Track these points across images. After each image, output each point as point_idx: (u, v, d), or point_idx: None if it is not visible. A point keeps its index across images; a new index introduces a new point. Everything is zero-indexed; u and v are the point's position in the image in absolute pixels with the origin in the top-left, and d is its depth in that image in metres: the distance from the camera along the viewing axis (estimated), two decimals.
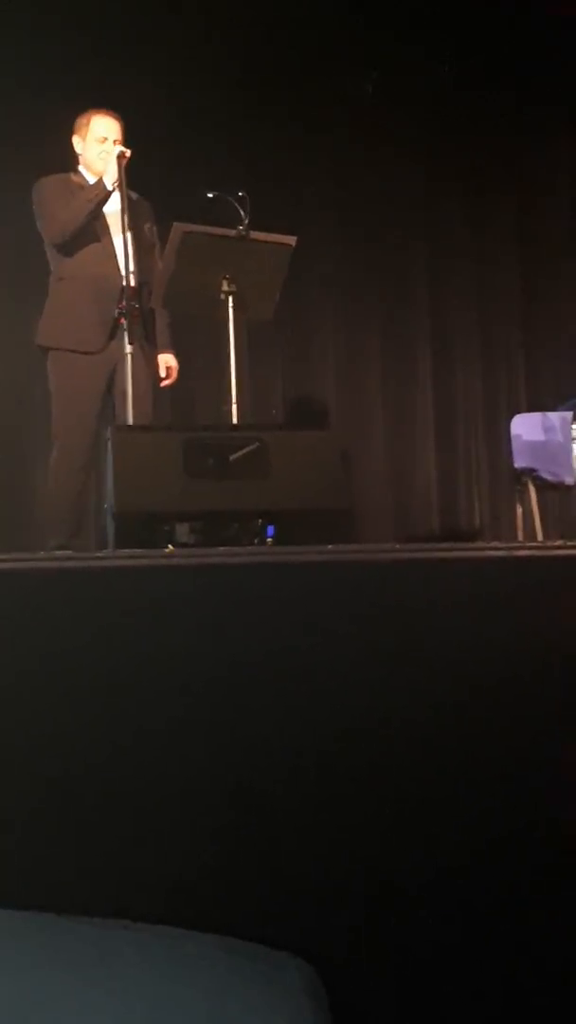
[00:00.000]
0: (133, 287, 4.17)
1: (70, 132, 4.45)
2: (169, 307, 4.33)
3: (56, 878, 1.58)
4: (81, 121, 4.42)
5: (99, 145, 4.34)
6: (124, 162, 4.18)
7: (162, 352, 4.47)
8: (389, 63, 6.04)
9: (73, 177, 4.40)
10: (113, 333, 4.20)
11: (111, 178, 4.20)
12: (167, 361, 4.49)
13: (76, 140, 4.42)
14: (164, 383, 4.50)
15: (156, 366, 4.45)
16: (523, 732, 1.82)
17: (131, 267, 4.18)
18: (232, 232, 4.07)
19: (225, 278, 4.04)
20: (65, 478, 4.26)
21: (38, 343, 4.35)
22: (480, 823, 1.73)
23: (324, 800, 1.71)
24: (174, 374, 4.52)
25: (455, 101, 6.23)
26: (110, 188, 4.21)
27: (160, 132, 5.37)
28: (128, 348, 4.01)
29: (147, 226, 4.44)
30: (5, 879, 1.55)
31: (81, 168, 4.41)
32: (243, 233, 4.06)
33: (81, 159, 4.42)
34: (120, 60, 5.44)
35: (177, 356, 4.55)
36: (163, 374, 4.48)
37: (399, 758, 1.75)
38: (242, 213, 4.07)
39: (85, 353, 4.25)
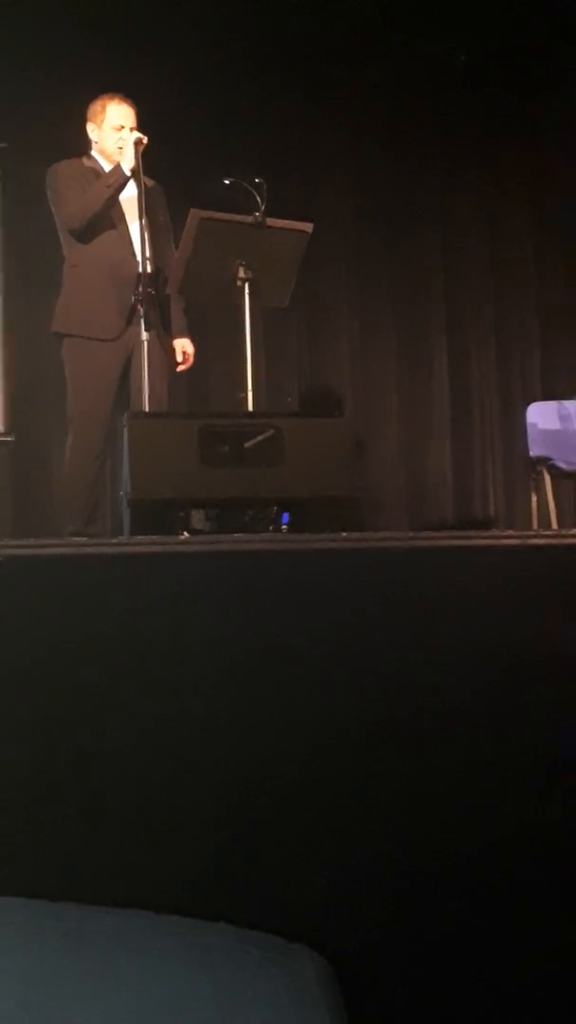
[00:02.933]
0: (149, 274, 4.17)
1: (84, 118, 4.44)
2: (185, 294, 4.33)
3: (71, 867, 1.59)
4: (96, 108, 4.40)
5: (116, 133, 4.32)
6: (141, 148, 4.17)
7: (178, 337, 4.47)
8: (405, 49, 6.01)
9: (86, 162, 4.39)
10: (129, 320, 4.20)
11: (128, 164, 4.19)
12: (184, 346, 4.48)
13: (91, 127, 4.40)
14: (181, 368, 4.51)
15: (172, 353, 4.44)
16: (539, 721, 1.82)
17: (147, 253, 4.18)
18: (248, 218, 4.06)
19: (241, 265, 4.04)
20: (81, 465, 4.27)
21: (54, 330, 4.35)
22: (497, 814, 1.74)
23: (338, 790, 1.71)
24: (191, 359, 4.52)
25: (471, 89, 6.19)
26: (128, 174, 4.20)
27: (177, 119, 5.36)
28: (144, 335, 4.01)
29: (161, 210, 4.44)
30: (21, 868, 1.56)
31: (94, 153, 4.40)
32: (259, 219, 4.05)
33: (96, 146, 4.40)
34: (137, 46, 5.43)
35: (193, 342, 4.54)
36: (180, 359, 4.48)
37: (413, 747, 1.75)
38: (259, 199, 4.06)
39: (101, 340, 4.25)
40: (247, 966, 0.60)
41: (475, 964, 1.64)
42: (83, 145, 4.45)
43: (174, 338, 4.45)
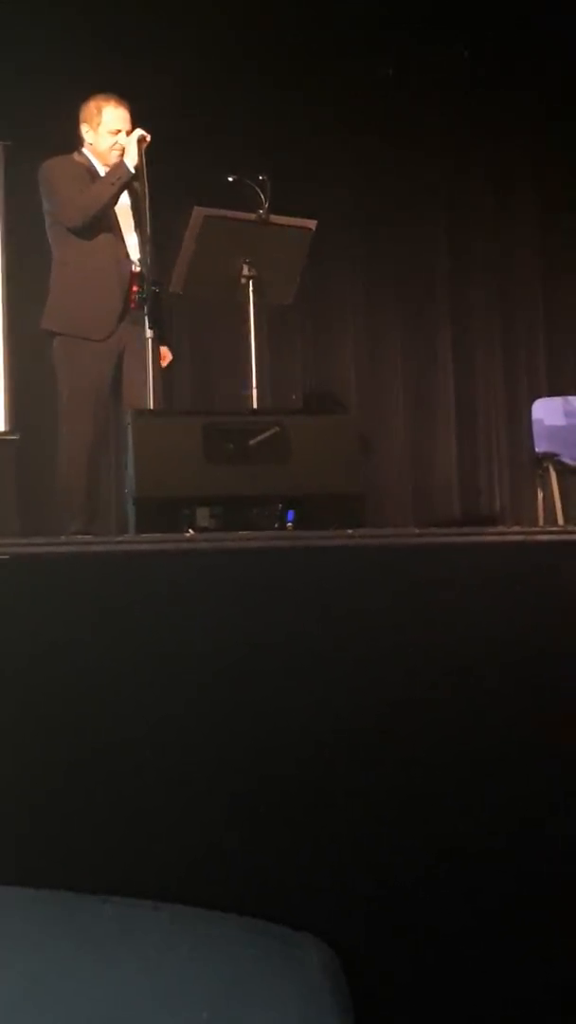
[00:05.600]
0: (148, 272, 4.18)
1: (77, 117, 4.40)
2: (189, 292, 4.33)
3: (75, 858, 1.59)
4: (90, 109, 4.34)
5: (112, 137, 4.29)
6: (144, 145, 4.17)
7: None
8: (409, 45, 6.00)
9: (77, 158, 4.36)
10: (121, 319, 4.20)
11: (132, 161, 4.18)
12: (164, 353, 4.49)
13: (85, 128, 4.34)
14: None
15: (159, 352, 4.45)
16: (544, 714, 1.82)
17: (146, 252, 4.18)
18: (252, 216, 4.06)
19: (245, 262, 4.04)
20: (75, 464, 4.26)
21: (43, 327, 4.33)
22: (503, 806, 1.74)
23: (344, 783, 1.71)
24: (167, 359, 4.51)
25: (474, 82, 6.19)
26: (132, 171, 4.19)
27: (180, 116, 5.35)
28: (148, 333, 4.01)
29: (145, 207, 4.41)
30: (25, 858, 1.56)
31: (85, 151, 4.37)
32: (263, 217, 4.04)
33: (90, 147, 4.37)
34: (140, 43, 5.42)
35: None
36: (164, 365, 4.49)
37: (419, 742, 1.75)
38: (262, 197, 4.06)
39: (92, 340, 4.23)
40: (252, 955, 0.60)
41: (479, 952, 1.64)
42: (74, 142, 4.43)
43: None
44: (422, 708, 1.79)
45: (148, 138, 4.19)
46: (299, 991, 0.58)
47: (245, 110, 5.80)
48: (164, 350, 4.47)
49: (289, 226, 4.14)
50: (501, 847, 1.70)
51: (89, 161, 4.34)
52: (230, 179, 4.20)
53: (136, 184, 4.16)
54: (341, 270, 6.01)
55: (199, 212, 4.02)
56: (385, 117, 6.06)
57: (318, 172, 5.89)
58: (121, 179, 4.20)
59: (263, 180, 4.07)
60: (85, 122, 4.36)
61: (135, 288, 4.14)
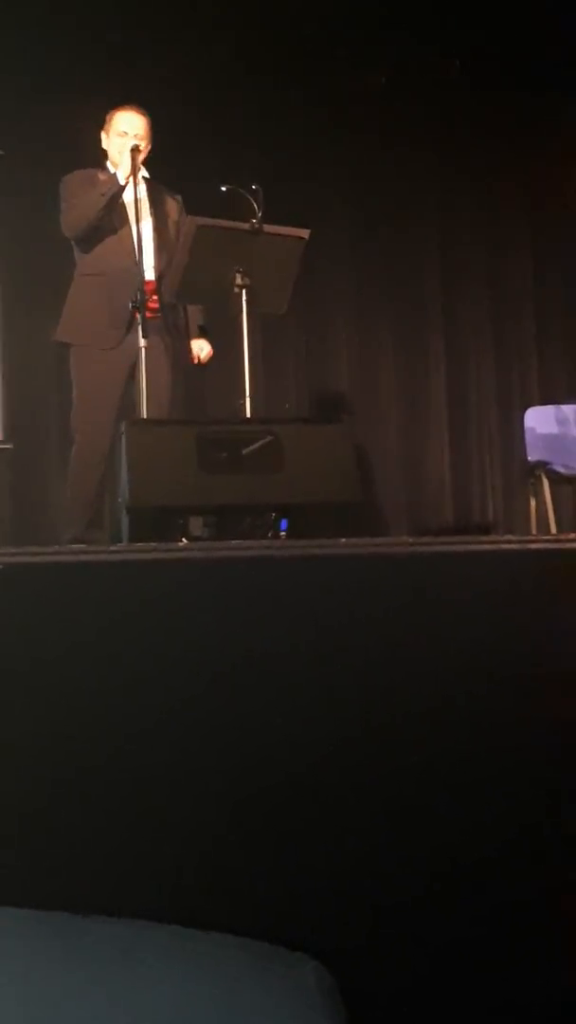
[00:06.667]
0: (151, 280, 4.19)
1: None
2: (183, 300, 4.34)
3: (68, 875, 1.59)
4: (107, 118, 4.43)
5: (120, 139, 4.34)
6: (139, 155, 4.18)
7: (194, 339, 4.48)
8: (401, 56, 6.02)
9: (100, 174, 4.40)
10: (130, 327, 4.21)
11: (124, 172, 4.20)
12: (200, 347, 4.48)
13: (103, 136, 4.44)
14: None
15: (181, 357, 4.45)
16: (538, 723, 1.82)
17: (150, 260, 4.20)
18: (245, 225, 4.07)
19: (239, 271, 4.04)
20: (85, 472, 4.29)
21: (56, 339, 4.37)
22: (495, 820, 1.73)
23: (339, 798, 1.71)
24: (204, 360, 4.51)
25: (467, 92, 6.19)
26: (123, 182, 4.21)
27: (174, 126, 5.35)
28: (143, 342, 4.01)
29: (173, 218, 4.44)
30: (19, 877, 1.56)
31: (108, 165, 4.42)
32: (256, 226, 4.05)
33: (108, 157, 4.42)
34: (134, 53, 5.43)
35: (189, 350, 4.54)
36: (204, 358, 4.49)
37: (411, 753, 1.75)
38: (255, 206, 4.07)
39: (103, 349, 4.26)
40: (248, 975, 0.60)
41: (476, 972, 1.64)
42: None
43: (191, 339, 4.45)
44: (416, 717, 1.78)
45: (141, 148, 4.21)
46: (295, 1012, 0.58)
47: (239, 120, 5.81)
48: (198, 346, 4.46)
49: (282, 235, 4.15)
50: (498, 860, 1.69)
51: (109, 174, 4.36)
52: (223, 189, 4.21)
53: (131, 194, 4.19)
54: (334, 279, 6.01)
55: (191, 221, 4.03)
56: (378, 126, 6.07)
57: (311, 181, 5.90)
58: (111, 191, 4.23)
59: (256, 190, 4.08)
60: (103, 130, 4.43)
61: (138, 296, 4.16)
